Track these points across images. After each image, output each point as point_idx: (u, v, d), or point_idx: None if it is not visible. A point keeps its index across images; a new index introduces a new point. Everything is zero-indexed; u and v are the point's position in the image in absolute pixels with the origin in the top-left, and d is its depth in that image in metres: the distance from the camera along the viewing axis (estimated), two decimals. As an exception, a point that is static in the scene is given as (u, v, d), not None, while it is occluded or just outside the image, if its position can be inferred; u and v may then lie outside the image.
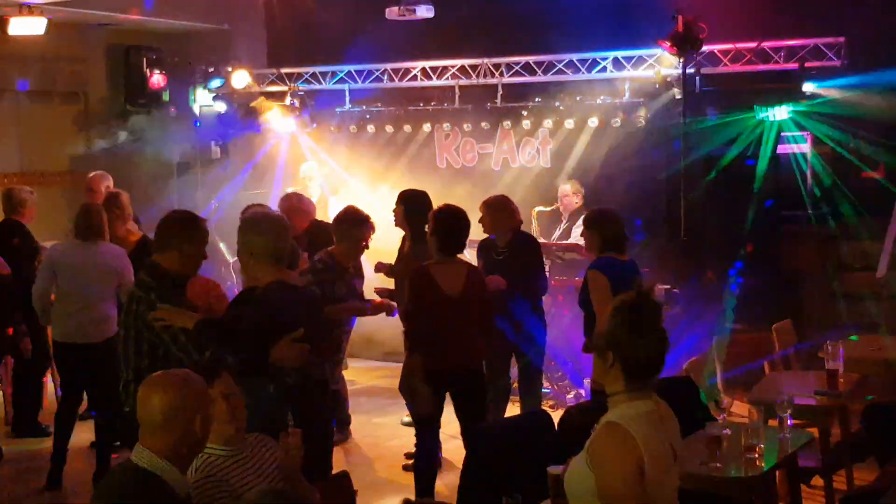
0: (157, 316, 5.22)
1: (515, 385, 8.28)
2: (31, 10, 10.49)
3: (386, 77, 12.22)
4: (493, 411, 7.49)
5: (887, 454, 6.33)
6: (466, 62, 11.65)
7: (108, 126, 12.81)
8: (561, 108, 11.16)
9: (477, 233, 8.20)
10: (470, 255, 8.57)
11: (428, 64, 11.90)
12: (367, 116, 12.26)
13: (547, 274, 8.81)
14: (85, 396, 8.02)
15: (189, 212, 5.78)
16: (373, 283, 8.44)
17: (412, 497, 6.66)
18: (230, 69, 12.60)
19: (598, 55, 10.95)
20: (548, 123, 11.25)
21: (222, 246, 12.02)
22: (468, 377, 6.65)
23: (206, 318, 5.20)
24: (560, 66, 11.22)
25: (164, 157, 12.81)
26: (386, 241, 8.61)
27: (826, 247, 10.11)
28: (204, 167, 13.13)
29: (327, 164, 12.39)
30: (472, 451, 5.81)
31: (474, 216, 8.17)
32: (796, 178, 10.29)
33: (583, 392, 9.19)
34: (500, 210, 7.93)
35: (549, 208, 10.50)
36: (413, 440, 6.95)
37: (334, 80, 12.51)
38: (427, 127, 11.91)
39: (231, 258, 11.94)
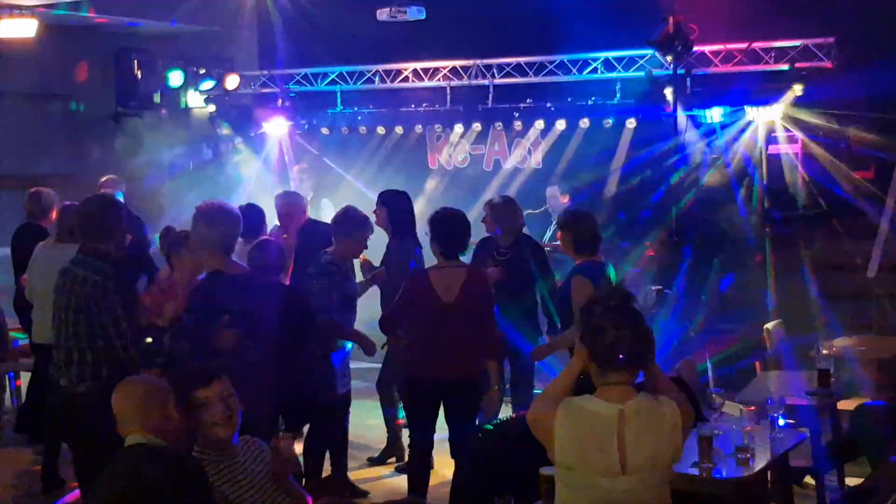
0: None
1: (508, 386, 8.27)
2: (21, 12, 10.48)
3: (377, 78, 12.23)
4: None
5: (878, 454, 6.34)
6: (458, 63, 11.67)
7: (100, 128, 12.80)
8: (552, 109, 11.18)
9: (478, 232, 8.23)
10: (463, 256, 8.58)
11: (419, 65, 11.91)
12: (359, 118, 12.27)
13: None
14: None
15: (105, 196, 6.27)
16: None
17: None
18: (222, 71, 12.59)
19: (589, 56, 10.97)
20: (539, 124, 11.27)
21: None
22: (462, 386, 6.52)
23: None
24: (551, 67, 11.23)
25: (155, 160, 12.79)
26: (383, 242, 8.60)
27: (817, 247, 10.13)
28: (195, 169, 13.11)
29: (319, 165, 12.39)
30: (465, 453, 5.82)
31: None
32: (787, 178, 10.30)
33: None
34: (504, 210, 7.91)
35: (537, 210, 10.52)
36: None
37: (326, 82, 12.52)
38: (418, 128, 11.93)
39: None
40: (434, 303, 6.45)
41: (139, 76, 12.55)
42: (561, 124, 11.10)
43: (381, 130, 12.09)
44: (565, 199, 10.39)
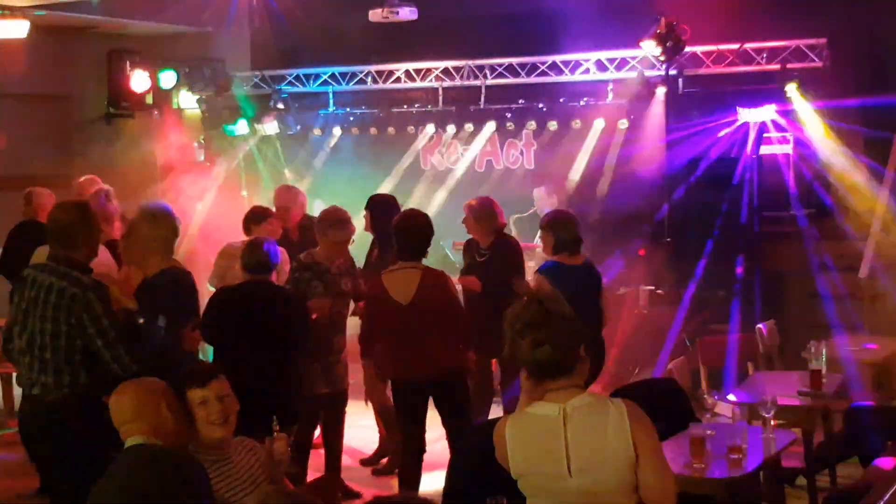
0: None
1: (498, 386, 8.28)
2: (12, 13, 10.46)
3: (370, 79, 12.22)
4: (477, 413, 7.48)
5: (870, 454, 6.36)
6: (450, 64, 11.67)
7: (92, 129, 12.78)
8: (544, 109, 11.19)
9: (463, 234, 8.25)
10: (455, 258, 8.60)
11: (411, 66, 11.90)
12: (351, 118, 12.28)
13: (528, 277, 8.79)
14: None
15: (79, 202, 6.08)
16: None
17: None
18: (213, 72, 12.57)
19: (581, 57, 10.97)
20: (531, 125, 11.28)
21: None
22: (443, 383, 6.57)
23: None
24: (543, 67, 11.24)
25: (147, 160, 12.77)
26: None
27: (809, 247, 10.14)
28: (188, 170, 13.08)
29: (311, 166, 12.38)
30: (456, 453, 5.81)
31: (458, 218, 8.21)
32: (779, 179, 10.32)
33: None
34: (482, 212, 7.94)
35: (525, 213, 10.52)
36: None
37: (318, 83, 12.51)
38: (411, 129, 11.93)
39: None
40: (391, 306, 6.49)
41: (131, 77, 12.53)
42: (553, 125, 11.12)
43: (373, 131, 12.09)
44: (553, 200, 10.40)
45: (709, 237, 10.17)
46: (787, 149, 10.30)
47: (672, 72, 10.09)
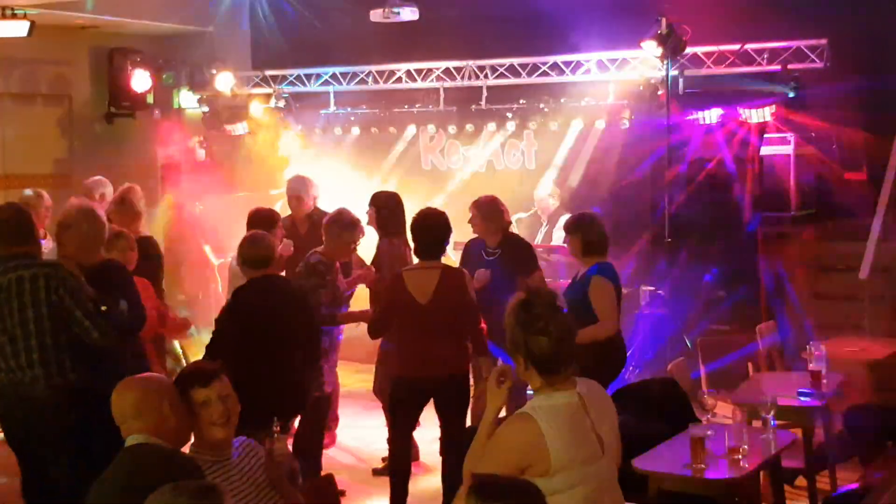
0: None
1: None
2: (14, 12, 10.46)
3: (371, 79, 12.22)
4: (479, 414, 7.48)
5: (870, 455, 6.36)
6: (451, 64, 11.66)
7: (92, 129, 12.79)
8: (545, 110, 11.18)
9: (467, 233, 8.24)
10: (455, 258, 8.58)
11: (412, 66, 11.90)
12: (352, 118, 12.27)
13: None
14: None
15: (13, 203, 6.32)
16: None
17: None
18: (214, 72, 12.57)
19: (582, 57, 10.96)
20: (532, 125, 11.27)
21: (207, 248, 12.01)
22: (449, 384, 6.59)
23: None
24: (544, 68, 11.23)
25: (148, 160, 12.77)
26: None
27: (809, 248, 10.15)
28: (188, 170, 13.10)
29: (312, 166, 12.37)
30: (455, 454, 5.82)
31: (459, 217, 8.20)
32: (779, 179, 10.31)
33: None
34: (490, 210, 7.93)
35: (527, 214, 10.52)
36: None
37: (319, 83, 12.51)
38: (412, 129, 11.94)
39: (216, 261, 11.93)
40: (411, 305, 6.50)
41: (132, 77, 12.54)
42: (554, 125, 11.12)
43: (374, 131, 12.09)
44: (555, 199, 10.41)
45: (709, 237, 10.17)
46: (788, 149, 10.29)
47: (673, 72, 10.09)
